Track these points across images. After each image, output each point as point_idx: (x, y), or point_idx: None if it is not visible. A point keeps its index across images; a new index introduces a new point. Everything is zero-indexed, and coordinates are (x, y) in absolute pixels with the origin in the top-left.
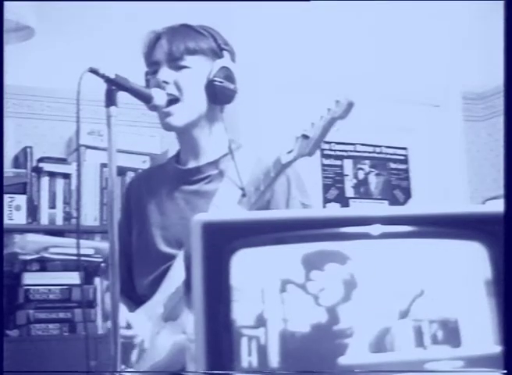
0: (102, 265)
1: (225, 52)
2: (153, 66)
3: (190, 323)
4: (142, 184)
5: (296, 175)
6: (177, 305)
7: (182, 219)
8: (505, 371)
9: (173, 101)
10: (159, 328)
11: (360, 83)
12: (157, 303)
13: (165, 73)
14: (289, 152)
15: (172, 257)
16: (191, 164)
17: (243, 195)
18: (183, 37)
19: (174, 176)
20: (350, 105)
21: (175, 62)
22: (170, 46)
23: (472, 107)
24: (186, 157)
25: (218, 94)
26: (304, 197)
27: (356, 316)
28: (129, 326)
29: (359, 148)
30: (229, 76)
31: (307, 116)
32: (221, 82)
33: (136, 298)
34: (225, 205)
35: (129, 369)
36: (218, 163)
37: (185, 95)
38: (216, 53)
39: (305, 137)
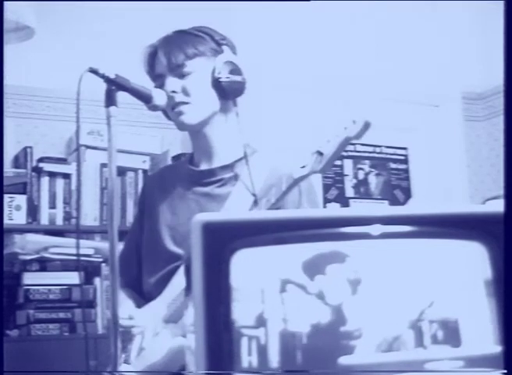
0: (103, 264)
1: (224, 47)
2: (158, 80)
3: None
4: (156, 184)
5: (309, 187)
6: (180, 307)
7: (191, 220)
8: (505, 371)
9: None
10: (160, 329)
11: (360, 83)
12: (161, 304)
13: (171, 83)
14: (303, 167)
15: (179, 257)
16: (204, 165)
17: (256, 203)
18: (179, 44)
19: (187, 176)
20: (367, 126)
21: (177, 70)
22: (169, 57)
23: (472, 107)
24: (200, 158)
25: (228, 90)
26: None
27: (355, 316)
28: (130, 317)
29: (359, 148)
30: (233, 69)
31: (311, 120)
32: (227, 78)
33: (144, 295)
34: (236, 210)
35: (129, 369)
36: (231, 167)
37: (195, 99)
38: (216, 50)
39: (319, 153)
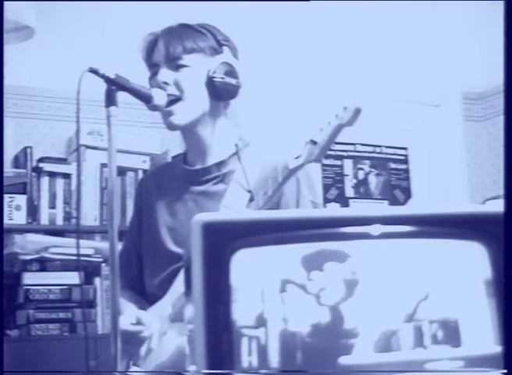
0: (103, 264)
1: (225, 48)
2: (153, 69)
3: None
4: (151, 183)
5: (305, 174)
6: (185, 306)
7: (189, 219)
8: (505, 371)
9: (175, 100)
10: (166, 328)
11: (360, 83)
12: (166, 304)
13: (164, 74)
14: (297, 158)
15: (181, 257)
16: (198, 164)
17: (251, 199)
18: (180, 37)
19: (182, 176)
20: (358, 112)
21: (173, 62)
22: (167, 47)
23: (472, 107)
24: (194, 157)
25: (220, 91)
26: (314, 195)
27: (356, 316)
28: (139, 322)
29: (359, 148)
30: (230, 71)
31: (308, 116)
32: (222, 78)
33: (148, 297)
34: (234, 205)
35: (131, 369)
36: (226, 164)
37: (186, 94)
38: (216, 50)
39: (313, 142)
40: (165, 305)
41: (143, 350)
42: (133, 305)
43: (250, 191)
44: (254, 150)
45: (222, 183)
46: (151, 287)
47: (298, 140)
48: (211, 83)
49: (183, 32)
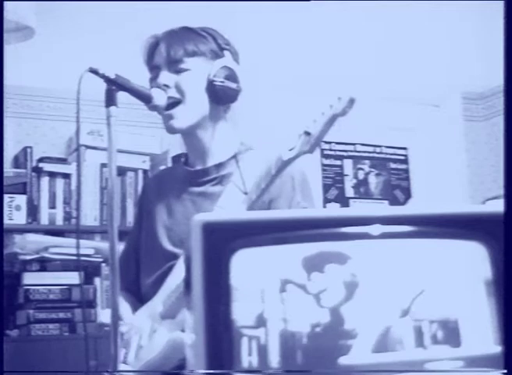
0: (103, 264)
1: (226, 52)
2: (154, 71)
3: (189, 321)
4: (153, 186)
5: (302, 179)
6: (175, 303)
7: (186, 219)
8: (505, 371)
9: (175, 103)
10: (157, 326)
11: (360, 82)
12: (158, 302)
13: (165, 77)
14: (291, 149)
15: (175, 256)
16: (199, 166)
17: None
18: (181, 40)
19: (182, 177)
20: (352, 102)
21: (174, 66)
22: (168, 50)
23: (472, 107)
24: (194, 158)
25: (220, 94)
26: (308, 203)
27: (356, 316)
28: (123, 322)
29: (359, 148)
30: (230, 75)
31: (308, 117)
32: (222, 82)
33: (142, 297)
34: (230, 206)
35: (128, 368)
36: (225, 165)
37: (187, 97)
38: (217, 53)
39: (307, 133)
40: (156, 303)
41: (133, 348)
42: (126, 304)
43: (246, 193)
44: (255, 154)
45: (220, 184)
46: (145, 287)
47: (292, 132)
48: (211, 87)
49: (184, 35)
